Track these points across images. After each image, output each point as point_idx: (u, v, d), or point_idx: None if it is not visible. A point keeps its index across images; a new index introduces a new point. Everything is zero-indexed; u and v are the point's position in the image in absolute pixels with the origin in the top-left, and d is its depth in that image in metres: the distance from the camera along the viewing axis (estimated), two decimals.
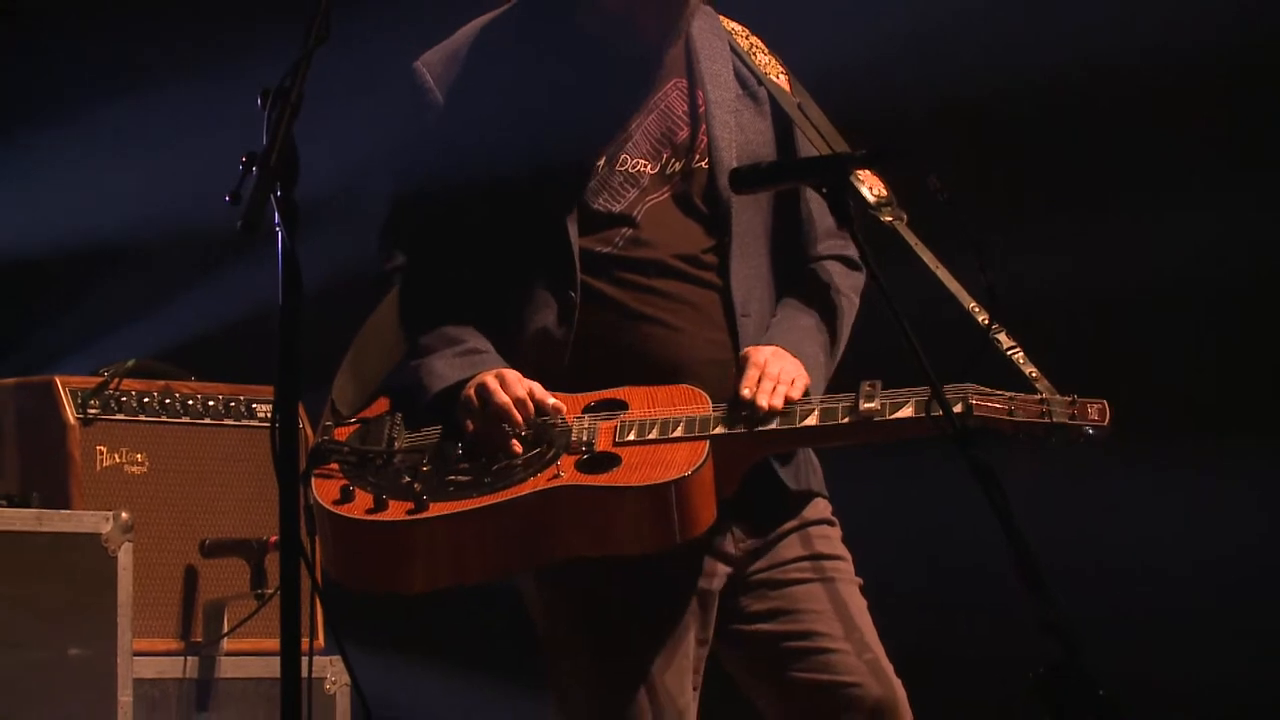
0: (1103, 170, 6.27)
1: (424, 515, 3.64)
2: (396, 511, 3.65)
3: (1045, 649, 3.25)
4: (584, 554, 3.68)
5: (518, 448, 3.71)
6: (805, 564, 3.89)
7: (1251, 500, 6.03)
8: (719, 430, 3.72)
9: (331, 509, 3.67)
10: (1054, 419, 3.73)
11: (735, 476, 3.75)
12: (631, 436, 3.71)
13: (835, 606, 3.86)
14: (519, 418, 3.73)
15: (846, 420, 3.73)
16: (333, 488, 3.70)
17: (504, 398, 3.73)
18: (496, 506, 3.64)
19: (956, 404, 3.65)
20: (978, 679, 5.49)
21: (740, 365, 3.80)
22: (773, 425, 3.73)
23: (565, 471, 3.67)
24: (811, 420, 3.74)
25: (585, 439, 3.71)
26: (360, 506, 3.67)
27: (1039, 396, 3.75)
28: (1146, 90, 6.12)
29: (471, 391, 3.76)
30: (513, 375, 3.76)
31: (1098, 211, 6.21)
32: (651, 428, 3.71)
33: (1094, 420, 3.74)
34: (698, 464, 3.66)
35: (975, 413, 3.68)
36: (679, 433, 3.70)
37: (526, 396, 3.74)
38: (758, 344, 3.85)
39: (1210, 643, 6.03)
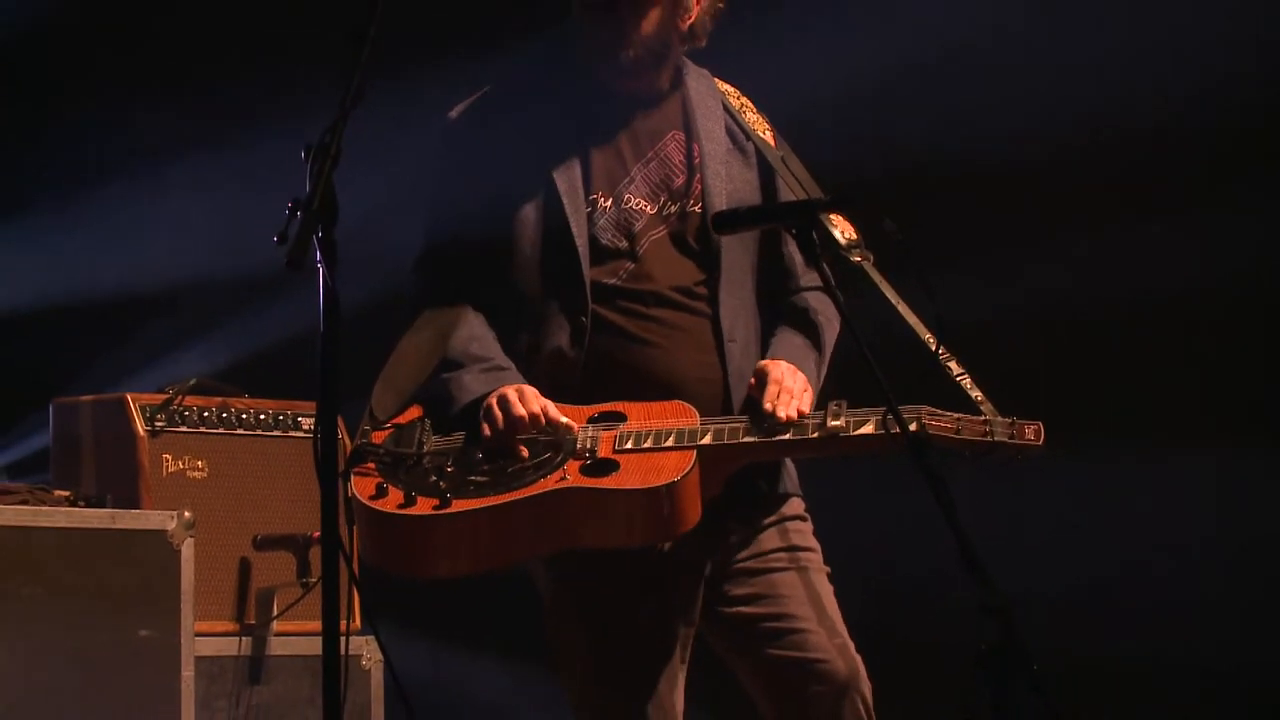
0: (1097, 181, 6.13)
1: (448, 511, 3.68)
2: (424, 507, 3.69)
3: (985, 630, 3.27)
4: (586, 546, 3.72)
5: (524, 452, 3.75)
6: (783, 554, 3.93)
7: (1234, 496, 5.98)
8: (706, 440, 3.74)
9: (367, 503, 3.71)
10: (995, 438, 3.77)
11: (719, 480, 3.79)
12: (629, 445, 3.75)
13: (808, 592, 3.90)
14: (530, 429, 3.76)
15: (816, 435, 3.77)
16: (369, 484, 3.73)
17: (521, 410, 3.76)
18: (511, 504, 3.69)
19: (911, 423, 3.68)
20: (926, 655, 5.39)
21: (760, 379, 3.83)
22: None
23: (571, 474, 3.72)
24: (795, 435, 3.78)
25: (589, 446, 3.75)
26: (393, 502, 3.70)
27: (983, 418, 3.77)
28: (1138, 97, 6.01)
29: (493, 401, 3.78)
30: (531, 391, 3.80)
31: (1093, 222, 6.09)
32: (647, 438, 3.75)
33: (1030, 440, 3.79)
34: (686, 470, 3.70)
35: (928, 431, 3.70)
36: (670, 443, 3.75)
37: (540, 412, 3.77)
38: (775, 359, 3.88)
39: (1196, 633, 5.95)
